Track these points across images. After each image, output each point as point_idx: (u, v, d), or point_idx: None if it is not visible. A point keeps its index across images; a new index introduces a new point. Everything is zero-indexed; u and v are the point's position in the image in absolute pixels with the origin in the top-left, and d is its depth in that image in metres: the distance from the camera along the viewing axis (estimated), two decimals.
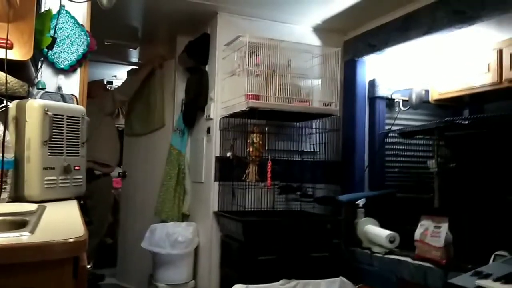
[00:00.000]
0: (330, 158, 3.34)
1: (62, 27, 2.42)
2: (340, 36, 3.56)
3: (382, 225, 2.93)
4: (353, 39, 3.47)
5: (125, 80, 4.26)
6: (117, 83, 5.68)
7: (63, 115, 1.87)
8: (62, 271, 0.96)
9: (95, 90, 3.88)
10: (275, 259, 2.73)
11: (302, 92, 3.10)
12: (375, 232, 2.87)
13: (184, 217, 3.65)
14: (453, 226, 2.42)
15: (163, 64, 4.07)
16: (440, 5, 2.67)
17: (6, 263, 0.90)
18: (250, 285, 2.56)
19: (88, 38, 2.50)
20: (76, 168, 1.92)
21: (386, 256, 2.73)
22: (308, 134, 3.39)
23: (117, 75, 5.61)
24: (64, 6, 2.40)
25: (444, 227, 2.41)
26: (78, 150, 1.96)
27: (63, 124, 1.87)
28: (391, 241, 2.74)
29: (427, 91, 3.38)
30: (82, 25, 2.49)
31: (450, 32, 2.69)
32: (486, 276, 1.68)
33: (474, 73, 2.98)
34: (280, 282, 2.66)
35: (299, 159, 3.35)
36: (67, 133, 1.89)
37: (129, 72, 4.49)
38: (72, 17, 2.46)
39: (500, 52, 2.83)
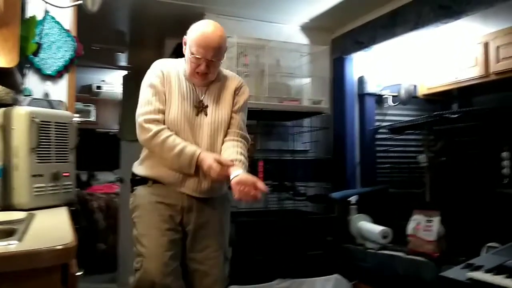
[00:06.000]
0: (321, 156, 3.35)
1: (48, 33, 2.40)
2: (328, 34, 3.56)
3: (375, 221, 2.94)
4: (341, 36, 3.48)
5: None
6: (106, 87, 5.64)
7: (50, 122, 1.85)
8: (50, 279, 0.96)
9: None
10: (269, 258, 2.73)
11: (292, 91, 3.11)
12: (368, 228, 2.88)
13: None
14: (445, 219, 2.44)
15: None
16: (425, 1, 2.68)
17: None
18: (245, 286, 2.56)
19: (75, 43, 2.48)
20: (65, 174, 1.90)
21: (379, 251, 2.75)
22: (299, 133, 3.39)
23: (106, 79, 5.58)
24: (49, 12, 2.38)
25: (436, 221, 2.43)
26: (67, 157, 1.94)
27: (51, 130, 1.85)
28: (384, 237, 2.75)
29: (415, 86, 3.40)
30: (68, 30, 2.47)
31: (437, 28, 2.71)
32: (477, 268, 1.69)
33: (462, 67, 3.01)
34: (275, 281, 2.66)
35: (291, 158, 3.35)
36: (55, 139, 1.87)
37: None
38: (58, 23, 2.43)
39: (486, 46, 2.86)
